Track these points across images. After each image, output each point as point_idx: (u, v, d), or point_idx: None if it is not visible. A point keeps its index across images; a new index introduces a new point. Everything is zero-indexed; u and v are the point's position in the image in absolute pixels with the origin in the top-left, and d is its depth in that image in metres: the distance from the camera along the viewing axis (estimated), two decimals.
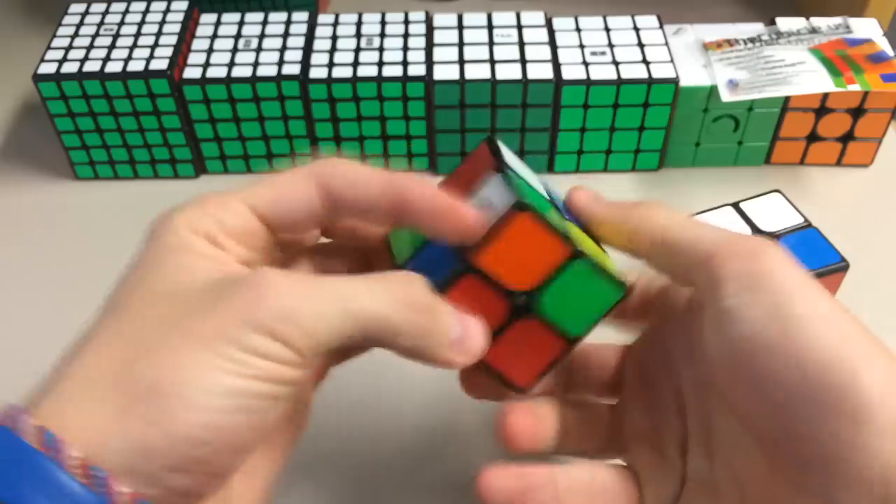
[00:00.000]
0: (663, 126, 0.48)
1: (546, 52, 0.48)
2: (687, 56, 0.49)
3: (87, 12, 0.51)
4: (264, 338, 0.22)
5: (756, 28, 0.50)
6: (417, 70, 0.47)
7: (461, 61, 0.47)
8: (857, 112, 0.48)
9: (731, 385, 0.26)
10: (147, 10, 0.51)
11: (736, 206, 0.41)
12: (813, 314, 0.24)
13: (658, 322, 0.32)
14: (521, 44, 0.49)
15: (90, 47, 0.48)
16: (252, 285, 0.23)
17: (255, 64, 0.48)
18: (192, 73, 0.47)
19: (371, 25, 0.51)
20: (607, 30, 0.50)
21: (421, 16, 0.51)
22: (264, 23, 0.51)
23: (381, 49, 0.49)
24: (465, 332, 0.26)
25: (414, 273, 0.26)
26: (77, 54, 0.48)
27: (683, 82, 0.47)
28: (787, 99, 0.47)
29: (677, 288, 0.31)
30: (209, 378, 0.22)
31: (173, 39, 0.49)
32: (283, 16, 0.51)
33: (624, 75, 0.46)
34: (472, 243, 0.27)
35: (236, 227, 0.26)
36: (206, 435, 0.21)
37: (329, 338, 0.23)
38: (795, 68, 0.46)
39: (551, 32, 0.50)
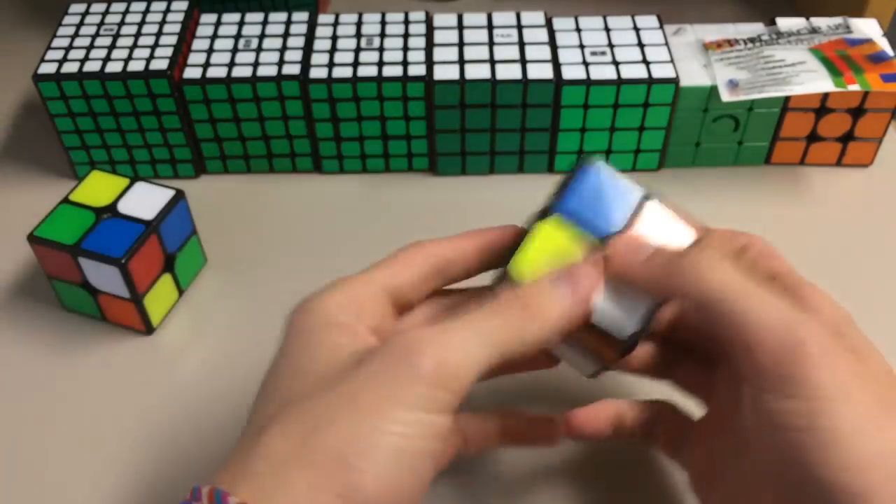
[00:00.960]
0: (663, 126, 0.48)
1: (546, 52, 0.48)
2: (687, 56, 0.49)
3: (87, 12, 0.51)
4: (426, 388, 0.25)
5: (756, 28, 0.50)
6: (417, 70, 0.47)
7: (461, 61, 0.47)
8: (857, 112, 0.48)
9: (760, 455, 0.27)
10: (147, 10, 0.51)
11: None
12: (845, 429, 0.24)
13: None
14: (521, 44, 0.49)
15: (90, 47, 0.48)
16: (401, 348, 0.26)
17: (255, 64, 0.48)
18: (192, 73, 0.47)
19: (371, 25, 0.51)
20: (607, 30, 0.50)
21: (421, 16, 0.51)
22: (264, 23, 0.51)
23: (381, 49, 0.49)
24: (571, 281, 0.29)
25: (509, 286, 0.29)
26: (77, 54, 0.48)
27: (683, 82, 0.47)
28: (787, 99, 0.47)
29: None
30: (385, 444, 0.24)
31: (173, 39, 0.49)
32: (283, 16, 0.51)
33: (624, 75, 0.46)
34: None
35: (370, 302, 0.29)
36: (384, 500, 0.24)
37: (477, 372, 0.26)
38: (795, 68, 0.46)
39: (551, 32, 0.50)
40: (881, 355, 0.27)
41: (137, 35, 0.49)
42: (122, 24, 0.50)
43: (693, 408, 0.34)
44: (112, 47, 0.48)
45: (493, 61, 0.47)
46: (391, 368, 0.25)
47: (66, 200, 0.42)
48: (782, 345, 0.25)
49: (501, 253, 0.31)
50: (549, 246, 0.30)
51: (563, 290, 0.29)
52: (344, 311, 0.28)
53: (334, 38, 0.50)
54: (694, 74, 0.47)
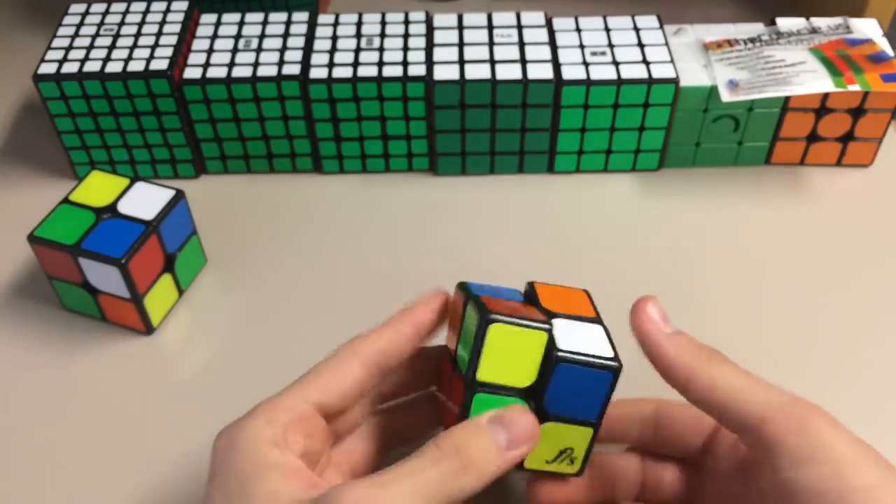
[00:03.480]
0: (663, 126, 0.48)
1: (546, 52, 0.48)
2: (687, 56, 0.49)
3: (87, 12, 0.51)
4: None
5: (756, 28, 0.50)
6: (417, 70, 0.47)
7: (461, 61, 0.47)
8: (857, 112, 0.48)
9: None
10: (147, 10, 0.51)
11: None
12: (866, 486, 0.25)
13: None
14: (521, 44, 0.49)
15: (90, 47, 0.48)
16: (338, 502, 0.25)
17: (255, 64, 0.48)
18: (192, 73, 0.47)
19: (371, 25, 0.51)
20: (607, 30, 0.50)
21: (421, 16, 0.51)
22: (264, 23, 0.51)
23: (381, 49, 0.49)
24: (509, 430, 0.28)
25: (439, 435, 0.28)
26: (77, 54, 0.48)
27: (683, 82, 0.47)
28: (787, 99, 0.47)
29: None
30: None
31: (173, 39, 0.49)
32: (283, 16, 0.51)
33: (624, 75, 0.46)
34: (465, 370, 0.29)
35: (295, 422, 0.29)
36: None
37: None
38: (795, 68, 0.46)
39: (551, 32, 0.50)
40: None
41: (137, 35, 0.49)
42: (122, 24, 0.50)
43: None
44: (112, 47, 0.48)
45: (493, 61, 0.47)
46: None
47: (66, 200, 0.42)
48: (794, 416, 0.26)
49: (432, 329, 0.32)
50: (507, 349, 0.29)
51: (499, 438, 0.28)
52: (276, 446, 0.28)
53: (334, 38, 0.50)
54: (694, 74, 0.47)
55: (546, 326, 0.29)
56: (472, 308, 0.29)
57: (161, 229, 0.41)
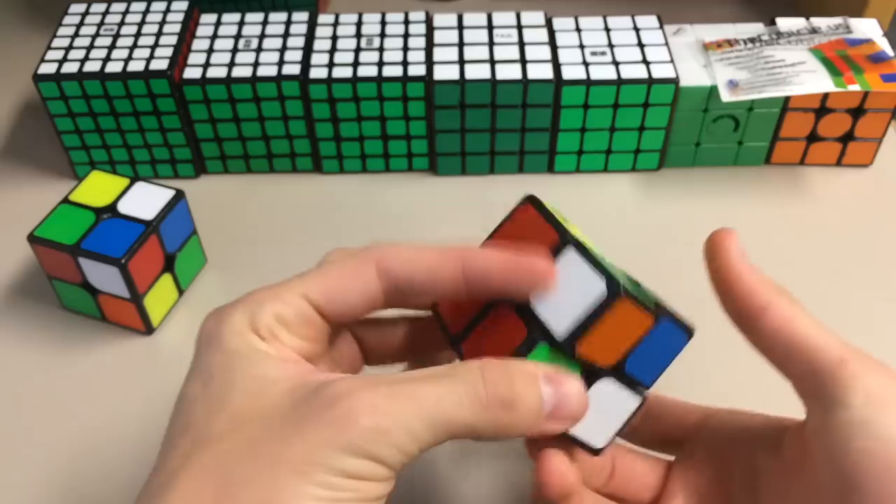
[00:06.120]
0: (663, 126, 0.48)
1: (546, 52, 0.48)
2: (687, 56, 0.49)
3: (87, 12, 0.51)
4: (357, 459, 0.22)
5: (756, 28, 0.50)
6: (417, 70, 0.47)
7: (461, 61, 0.47)
8: (857, 112, 0.48)
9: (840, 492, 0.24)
10: (147, 10, 0.51)
11: None
12: None
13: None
14: (521, 44, 0.49)
15: (90, 47, 0.48)
16: (338, 404, 0.22)
17: (255, 64, 0.48)
18: (192, 73, 0.47)
19: (371, 25, 0.51)
20: (607, 30, 0.50)
21: (421, 16, 0.51)
22: (264, 23, 0.51)
23: (381, 49, 0.49)
24: (558, 398, 0.25)
25: (486, 362, 0.24)
26: (77, 54, 0.48)
27: (683, 82, 0.47)
28: (787, 99, 0.47)
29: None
30: None
31: (173, 39, 0.49)
32: (283, 16, 0.51)
33: (624, 75, 0.46)
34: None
35: (292, 320, 0.26)
36: None
37: (418, 449, 0.23)
38: (795, 68, 0.46)
39: (551, 32, 0.50)
40: None
41: (137, 35, 0.49)
42: (122, 24, 0.50)
43: None
44: (112, 47, 0.48)
45: (493, 61, 0.47)
46: (323, 429, 0.22)
47: (66, 200, 0.42)
48: (873, 360, 0.25)
49: (485, 275, 0.26)
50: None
51: (546, 401, 0.25)
52: (271, 334, 0.25)
53: (334, 38, 0.50)
54: (694, 74, 0.47)
55: (657, 311, 0.26)
56: (594, 266, 0.26)
57: (161, 229, 0.41)
